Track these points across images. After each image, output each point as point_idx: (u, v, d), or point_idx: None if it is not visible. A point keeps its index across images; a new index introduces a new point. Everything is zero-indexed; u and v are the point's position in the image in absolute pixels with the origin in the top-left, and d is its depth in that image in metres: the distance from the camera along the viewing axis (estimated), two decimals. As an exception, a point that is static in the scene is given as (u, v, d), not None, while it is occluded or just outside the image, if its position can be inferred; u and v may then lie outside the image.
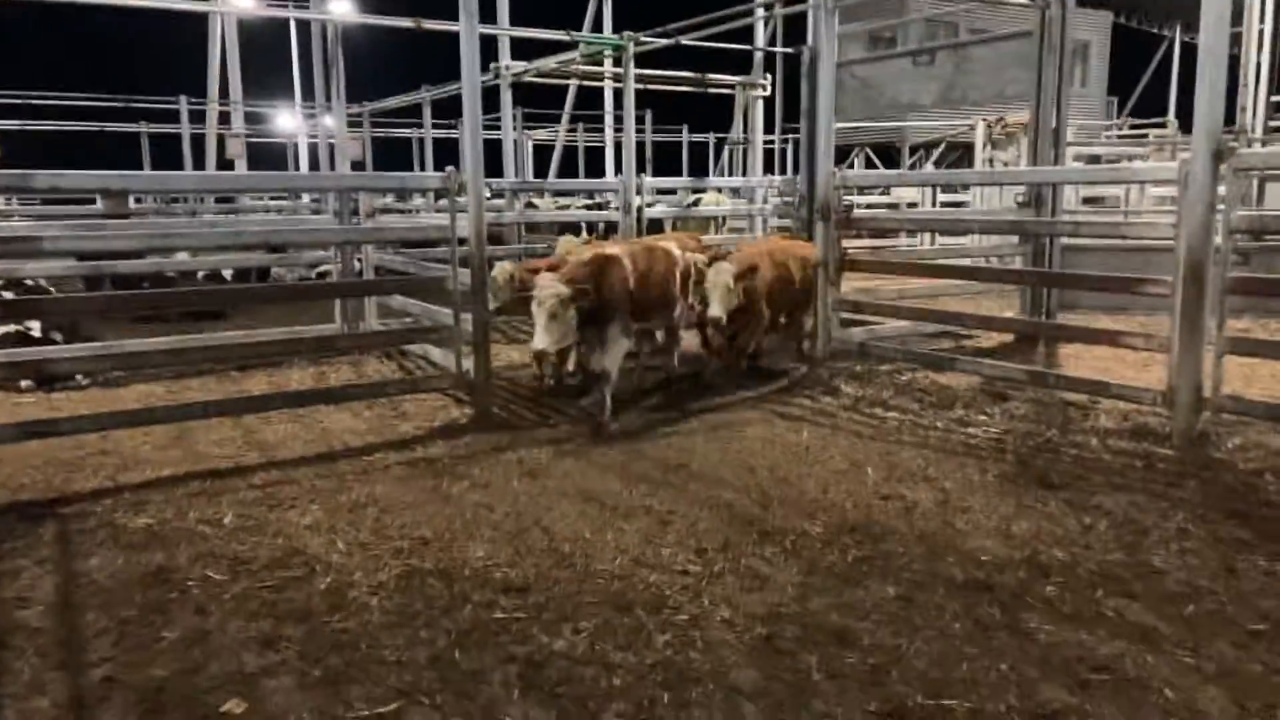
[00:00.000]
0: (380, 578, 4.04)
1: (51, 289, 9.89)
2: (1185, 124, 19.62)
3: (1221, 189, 5.66)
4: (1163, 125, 21.82)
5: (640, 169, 10.71)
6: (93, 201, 14.72)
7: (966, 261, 10.67)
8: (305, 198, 16.06)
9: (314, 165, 20.87)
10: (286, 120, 24.75)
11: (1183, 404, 5.73)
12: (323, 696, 3.14)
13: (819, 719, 2.97)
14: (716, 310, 6.76)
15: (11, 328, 8.06)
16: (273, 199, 17.75)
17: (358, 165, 14.98)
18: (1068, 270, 9.27)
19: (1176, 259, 5.69)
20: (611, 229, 10.59)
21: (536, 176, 21.77)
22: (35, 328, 8.26)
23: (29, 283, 9.69)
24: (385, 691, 3.16)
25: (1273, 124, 14.89)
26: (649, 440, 6.19)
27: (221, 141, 20.27)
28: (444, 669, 3.31)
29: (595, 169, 23.84)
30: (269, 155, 26.56)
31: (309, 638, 3.53)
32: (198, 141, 19.45)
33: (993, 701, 3.05)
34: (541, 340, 5.99)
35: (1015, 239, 9.98)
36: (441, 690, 3.17)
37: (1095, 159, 15.69)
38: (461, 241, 6.62)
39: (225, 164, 20.06)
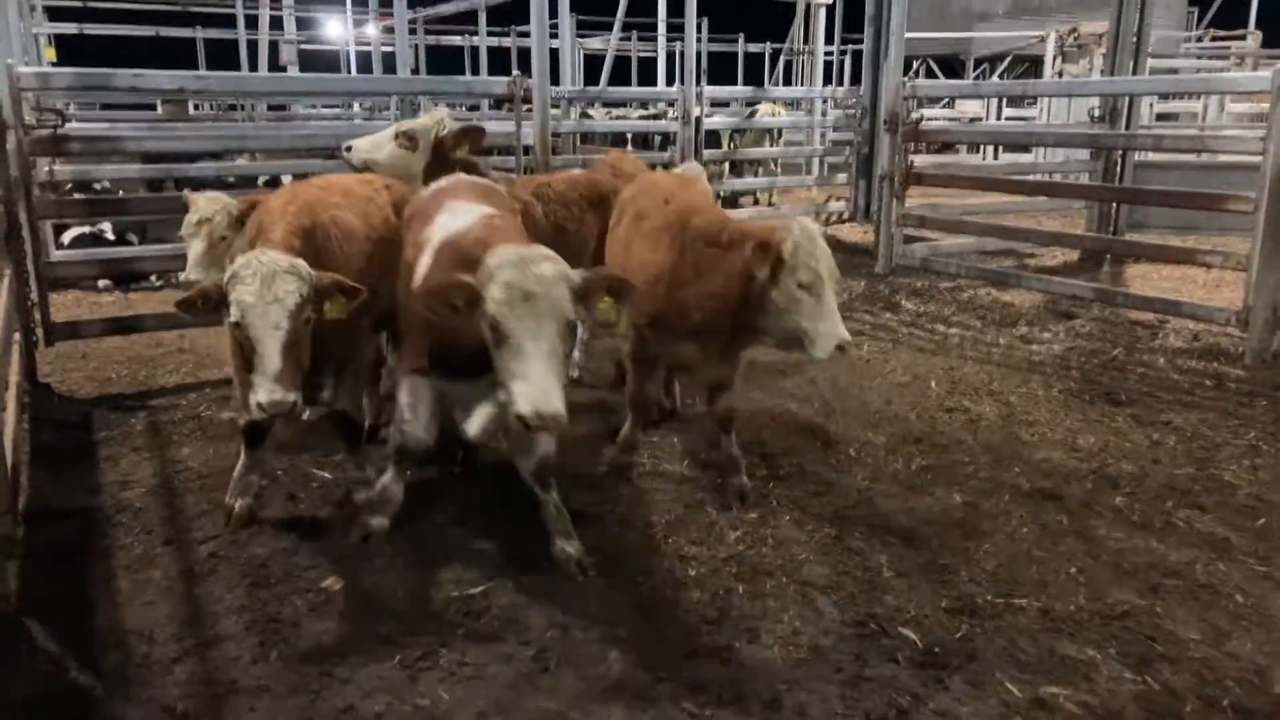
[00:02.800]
0: (455, 476, 4.18)
1: (120, 191, 10.07)
2: (1270, 36, 18.64)
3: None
4: (1243, 38, 20.72)
5: (698, 78, 10.49)
6: (153, 107, 14.84)
7: (1039, 177, 10.40)
8: (356, 105, 16.02)
9: (364, 73, 20.70)
10: (335, 27, 24.51)
11: (1258, 323, 5.63)
12: (414, 580, 3.31)
13: (893, 613, 3.07)
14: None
15: (86, 229, 8.25)
16: (325, 106, 17.75)
17: (412, 73, 14.87)
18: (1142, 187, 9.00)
19: (1263, 174, 5.53)
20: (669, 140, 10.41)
21: (588, 85, 21.41)
22: (108, 229, 8.45)
23: (97, 186, 9.89)
24: (473, 576, 3.31)
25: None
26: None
27: (274, 48, 20.16)
28: (524, 556, 3.45)
29: (645, 79, 23.34)
30: (317, 62, 26.33)
31: (393, 525, 3.67)
32: (251, 48, 19.39)
33: (1062, 601, 3.12)
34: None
35: (1084, 155, 9.69)
36: (524, 575, 3.32)
37: (1173, 73, 15.02)
38: (526, 150, 6.61)
39: (278, 70, 19.96)
